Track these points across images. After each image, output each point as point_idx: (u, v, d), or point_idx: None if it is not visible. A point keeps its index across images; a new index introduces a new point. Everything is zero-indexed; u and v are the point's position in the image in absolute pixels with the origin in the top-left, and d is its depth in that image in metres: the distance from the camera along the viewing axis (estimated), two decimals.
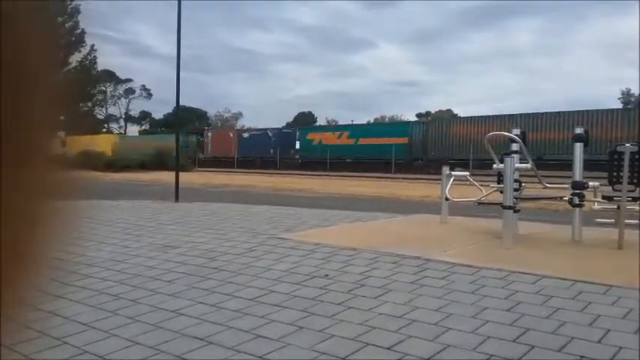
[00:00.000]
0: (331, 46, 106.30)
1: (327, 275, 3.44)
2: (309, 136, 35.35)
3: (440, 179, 6.28)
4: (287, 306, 2.83)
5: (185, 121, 53.07)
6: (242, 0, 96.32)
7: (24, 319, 0.30)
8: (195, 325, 2.54)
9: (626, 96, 52.41)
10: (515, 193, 4.68)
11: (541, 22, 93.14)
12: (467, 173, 6.35)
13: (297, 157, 35.04)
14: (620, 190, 4.39)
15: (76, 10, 26.58)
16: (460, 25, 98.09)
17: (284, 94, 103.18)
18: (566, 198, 4.87)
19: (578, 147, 4.86)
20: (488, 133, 5.58)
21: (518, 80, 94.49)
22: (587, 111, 24.84)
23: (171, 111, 59.85)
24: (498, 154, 5.05)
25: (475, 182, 6.03)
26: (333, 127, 37.82)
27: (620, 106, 50.85)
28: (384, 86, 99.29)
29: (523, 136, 5.32)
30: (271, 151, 35.84)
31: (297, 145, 35.74)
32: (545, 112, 26.12)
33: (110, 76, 64.58)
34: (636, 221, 4.41)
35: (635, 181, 4.37)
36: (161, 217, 6.41)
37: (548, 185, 5.55)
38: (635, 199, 4.44)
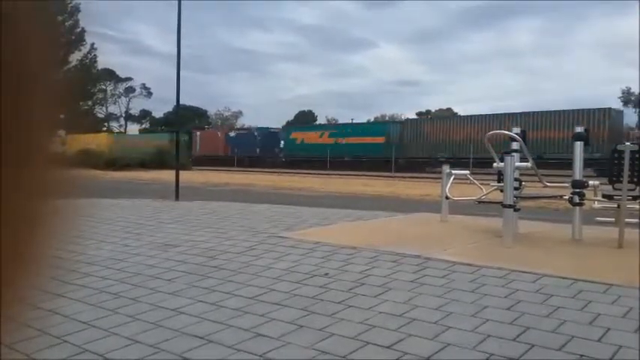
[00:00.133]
0: (331, 46, 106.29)
1: (327, 274, 3.44)
2: (293, 136, 36.34)
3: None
4: (287, 305, 2.83)
5: (185, 120, 53.13)
6: (242, 0, 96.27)
7: (24, 318, 0.30)
8: (196, 324, 2.54)
9: (627, 95, 52.34)
10: (515, 192, 4.68)
11: (541, 22, 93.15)
12: (467, 172, 6.35)
13: (282, 155, 35.84)
14: (620, 189, 4.39)
15: (76, 9, 26.56)
16: (460, 25, 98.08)
17: (284, 94, 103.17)
18: (567, 197, 4.87)
19: (579, 146, 4.86)
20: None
21: (518, 80, 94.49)
22: (564, 111, 25.79)
23: (171, 110, 59.86)
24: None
25: (475, 181, 6.03)
26: (315, 126, 39.11)
27: (620, 105, 50.89)
28: (384, 86, 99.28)
29: (523, 134, 5.32)
30: (257, 150, 36.73)
31: (282, 144, 36.60)
32: (520, 113, 27.19)
33: (110, 75, 64.54)
34: (636, 220, 4.41)
35: (635, 180, 4.37)
36: (161, 216, 6.42)
37: (548, 184, 5.55)
38: (635, 198, 4.44)
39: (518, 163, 4.97)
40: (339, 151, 32.34)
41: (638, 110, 50.54)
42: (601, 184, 4.93)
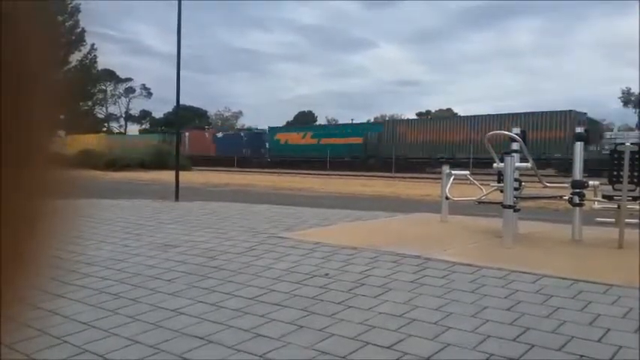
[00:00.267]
0: (331, 46, 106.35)
1: (327, 274, 3.44)
2: (277, 137, 37.50)
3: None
4: (287, 305, 2.83)
5: (185, 120, 53.24)
6: (242, 0, 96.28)
7: (24, 318, 0.30)
8: (195, 324, 2.54)
9: (627, 95, 52.34)
10: (515, 192, 4.68)
11: (541, 22, 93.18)
12: (467, 172, 6.35)
13: (267, 156, 37.02)
14: (620, 190, 4.39)
15: (76, 9, 26.55)
16: (460, 25, 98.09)
17: (284, 94, 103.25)
18: (566, 197, 4.87)
19: (579, 146, 4.86)
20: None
21: (518, 80, 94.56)
22: (525, 113, 27.16)
23: (171, 110, 59.87)
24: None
25: (475, 181, 6.03)
26: (298, 127, 40.27)
27: (620, 105, 50.89)
28: (384, 86, 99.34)
29: (523, 135, 5.32)
30: (243, 150, 37.81)
31: (267, 145, 37.82)
32: (486, 115, 28.68)
33: (110, 75, 64.58)
34: (636, 220, 4.41)
35: (635, 180, 4.37)
36: (161, 216, 6.42)
37: (548, 184, 5.55)
38: (635, 199, 4.43)
39: (518, 164, 4.97)
40: (320, 151, 33.66)
41: (638, 110, 50.53)
42: (601, 184, 4.93)
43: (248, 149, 37.78)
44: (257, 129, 42.24)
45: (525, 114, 26.99)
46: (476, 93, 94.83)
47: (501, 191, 4.76)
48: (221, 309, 2.78)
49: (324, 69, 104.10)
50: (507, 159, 4.52)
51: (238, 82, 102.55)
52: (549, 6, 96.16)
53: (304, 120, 63.90)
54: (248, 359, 2.14)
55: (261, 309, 2.76)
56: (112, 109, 69.67)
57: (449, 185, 5.86)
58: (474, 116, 29.13)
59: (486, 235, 5.03)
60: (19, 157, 0.27)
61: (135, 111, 70.90)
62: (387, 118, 50.21)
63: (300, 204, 8.70)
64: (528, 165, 5.03)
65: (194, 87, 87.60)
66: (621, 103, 53.00)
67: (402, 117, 48.43)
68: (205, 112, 70.14)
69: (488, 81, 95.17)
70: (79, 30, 28.27)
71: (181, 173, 9.64)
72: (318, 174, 25.35)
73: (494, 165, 5.25)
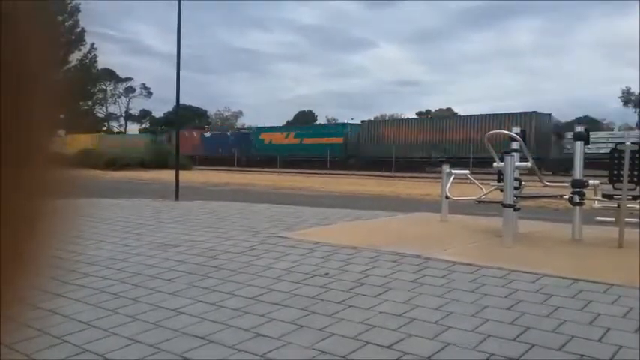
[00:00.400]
0: (331, 46, 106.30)
1: (327, 274, 3.44)
2: (262, 137, 38.56)
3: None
4: (287, 304, 2.83)
5: (185, 119, 53.33)
6: (242, 0, 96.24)
7: (24, 318, 0.30)
8: (196, 324, 2.54)
9: (627, 95, 52.31)
10: (515, 192, 4.68)
11: (541, 22, 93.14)
12: (467, 172, 6.35)
13: (252, 155, 37.93)
14: (620, 189, 4.39)
15: (76, 9, 26.55)
16: (460, 25, 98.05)
17: (284, 94, 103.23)
18: (567, 196, 4.87)
19: (579, 145, 4.86)
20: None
21: (518, 80, 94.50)
22: (492, 114, 28.75)
23: (171, 110, 59.85)
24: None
25: (475, 181, 6.03)
26: (280, 127, 41.21)
27: (620, 104, 50.93)
28: (384, 86, 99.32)
29: (523, 134, 5.33)
30: (230, 150, 38.76)
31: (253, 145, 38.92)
32: (457, 116, 32.14)
33: (110, 75, 64.56)
34: (636, 220, 4.41)
35: (635, 179, 4.37)
36: (161, 216, 6.42)
37: (548, 184, 5.55)
38: (635, 198, 4.43)
39: (518, 163, 4.97)
40: (303, 150, 34.84)
41: (638, 110, 50.52)
42: (601, 183, 4.93)
43: (235, 149, 38.86)
44: (244, 129, 43.68)
45: (492, 115, 28.65)
46: (476, 93, 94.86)
47: (501, 190, 4.76)
48: (221, 308, 2.78)
49: (324, 69, 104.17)
50: (507, 158, 4.52)
51: (238, 82, 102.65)
52: (549, 6, 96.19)
53: (304, 120, 63.86)
54: (248, 359, 2.14)
55: (261, 308, 2.77)
56: (112, 108, 69.72)
57: (449, 185, 5.86)
58: (444, 118, 32.90)
59: (486, 234, 5.03)
60: (19, 157, 0.27)
61: (135, 110, 70.95)
62: (387, 118, 50.27)
63: (300, 203, 8.70)
64: (528, 164, 5.04)
65: (194, 87, 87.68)
66: (621, 103, 52.99)
67: (402, 116, 48.46)
68: (205, 111, 70.13)
69: (488, 81, 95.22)
70: (78, 30, 28.26)
71: (181, 173, 9.63)
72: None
73: (494, 164, 5.25)
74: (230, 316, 2.66)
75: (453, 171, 5.97)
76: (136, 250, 4.28)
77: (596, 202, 4.90)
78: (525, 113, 27.09)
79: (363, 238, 4.65)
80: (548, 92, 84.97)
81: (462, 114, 39.43)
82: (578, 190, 4.70)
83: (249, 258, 3.92)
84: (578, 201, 4.71)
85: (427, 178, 20.13)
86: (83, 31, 29.02)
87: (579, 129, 4.98)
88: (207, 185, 15.94)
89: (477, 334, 2.38)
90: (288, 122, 63.03)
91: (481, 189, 5.82)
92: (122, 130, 67.64)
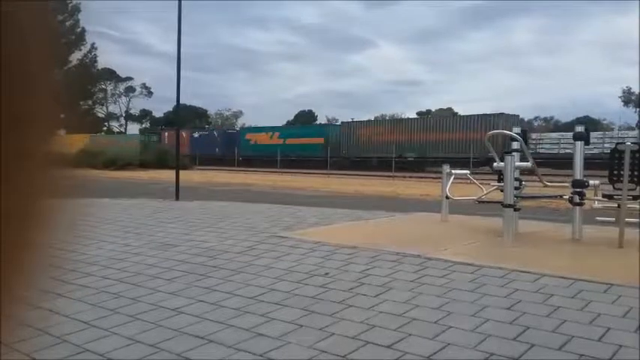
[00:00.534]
0: (331, 46, 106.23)
1: (327, 274, 3.44)
2: (247, 137, 39.65)
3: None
4: (287, 304, 2.83)
5: (186, 119, 53.48)
6: (242, 0, 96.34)
7: (24, 318, 0.30)
8: (196, 324, 2.54)
9: (627, 95, 52.30)
10: (515, 192, 4.68)
11: (541, 21, 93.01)
12: (467, 172, 6.35)
13: (238, 155, 38.70)
14: (620, 189, 4.39)
15: (76, 9, 26.54)
16: (460, 25, 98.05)
17: (284, 93, 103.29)
18: (567, 196, 4.87)
19: (579, 145, 4.86)
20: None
21: (519, 80, 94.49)
22: (462, 116, 30.77)
23: (171, 109, 59.87)
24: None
25: (475, 181, 6.03)
26: (264, 128, 41.92)
27: (621, 104, 50.97)
28: (385, 85, 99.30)
29: (524, 134, 5.33)
30: (216, 149, 39.70)
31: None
32: (430, 117, 34.72)
33: (110, 75, 64.57)
34: (636, 220, 4.41)
35: (635, 179, 4.37)
36: (161, 216, 6.42)
37: (548, 184, 5.55)
38: (635, 198, 4.43)
39: (518, 163, 4.98)
40: (286, 150, 35.62)
41: (638, 110, 50.51)
42: (601, 183, 4.93)
43: (222, 148, 39.79)
44: (230, 129, 44.68)
45: (462, 116, 30.39)
46: (476, 92, 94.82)
47: (501, 190, 4.76)
48: (221, 308, 2.78)
49: (324, 68, 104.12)
50: (508, 158, 4.52)
51: (238, 81, 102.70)
52: (549, 6, 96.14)
53: (304, 120, 63.87)
54: (248, 359, 2.14)
55: (261, 308, 2.77)
56: (112, 108, 69.71)
57: (449, 185, 5.86)
58: (415, 119, 35.57)
59: (486, 234, 5.03)
60: (19, 157, 0.27)
61: (135, 110, 70.92)
62: (387, 118, 50.34)
63: (300, 203, 8.70)
64: (529, 164, 5.04)
65: (194, 86, 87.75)
66: (622, 103, 52.98)
67: (402, 116, 48.54)
68: (205, 111, 70.16)
69: (488, 81, 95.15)
70: (79, 29, 28.26)
71: (181, 172, 9.63)
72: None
73: (494, 164, 5.25)
74: (230, 315, 2.66)
75: (454, 171, 5.97)
76: (137, 249, 4.28)
77: (596, 202, 4.90)
78: (494, 114, 28.38)
79: (363, 238, 4.65)
80: (549, 91, 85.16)
81: (462, 114, 40.56)
82: (578, 190, 4.70)
83: (249, 258, 3.92)
84: (578, 201, 4.71)
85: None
86: (83, 30, 29.03)
87: (579, 129, 4.98)
88: (207, 185, 15.94)
89: (477, 334, 2.38)
90: (288, 122, 63.07)
91: (481, 189, 5.82)
92: (122, 130, 67.68)
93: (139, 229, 5.29)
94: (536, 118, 62.49)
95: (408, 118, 35.29)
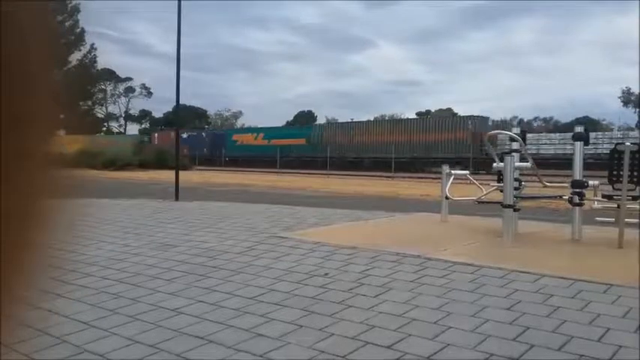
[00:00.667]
0: (331, 46, 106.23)
1: (327, 274, 3.44)
2: (234, 138, 40.79)
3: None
4: (287, 305, 2.83)
5: (185, 120, 53.55)
6: (242, 0, 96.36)
7: (24, 318, 0.30)
8: (195, 324, 2.54)
9: (627, 95, 52.32)
10: (515, 192, 4.68)
11: (542, 21, 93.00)
12: (467, 172, 6.35)
13: (225, 155, 39.78)
14: (620, 189, 4.39)
15: (76, 9, 26.52)
16: (460, 25, 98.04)
17: (284, 93, 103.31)
18: (566, 197, 4.87)
19: (578, 145, 4.86)
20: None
21: (519, 80, 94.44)
22: (433, 117, 33.19)
23: (171, 110, 59.87)
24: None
25: (475, 181, 6.03)
26: (250, 129, 43.54)
27: (620, 104, 51.01)
28: (384, 85, 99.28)
29: (523, 135, 5.33)
30: (204, 150, 40.73)
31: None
32: (400, 119, 35.59)
33: (110, 75, 64.57)
34: (636, 220, 4.41)
35: (635, 180, 4.37)
36: (161, 216, 6.42)
37: (547, 184, 5.55)
38: (635, 198, 4.44)
39: (518, 163, 4.98)
40: (270, 151, 36.58)
41: (638, 110, 50.53)
42: (601, 184, 4.93)
43: (210, 149, 40.73)
44: (218, 130, 46.21)
45: (436, 118, 32.17)
46: (476, 93, 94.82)
47: (501, 191, 4.76)
48: (221, 308, 2.78)
49: (324, 68, 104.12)
50: (507, 159, 4.52)
51: (238, 81, 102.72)
52: (550, 6, 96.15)
53: (304, 120, 63.89)
54: (248, 359, 2.14)
55: (261, 308, 2.77)
56: (112, 108, 69.69)
57: (449, 185, 5.86)
58: (387, 120, 38.11)
59: (486, 234, 5.04)
60: (19, 157, 0.27)
61: (135, 111, 70.91)
62: (386, 118, 50.43)
63: (300, 203, 8.70)
64: (528, 164, 5.04)
65: (194, 87, 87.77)
66: (621, 103, 53.00)
67: (402, 116, 48.67)
68: (205, 111, 70.17)
69: (488, 81, 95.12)
70: (78, 30, 28.25)
71: (180, 173, 9.63)
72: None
73: (494, 165, 5.25)
74: (230, 316, 2.66)
75: (453, 171, 5.97)
76: (136, 250, 4.28)
77: (596, 202, 4.90)
78: (467, 116, 30.25)
79: (363, 238, 4.65)
80: (549, 91, 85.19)
81: (462, 114, 41.42)
82: (577, 190, 4.70)
83: (249, 258, 3.92)
84: (577, 201, 4.71)
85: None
86: (83, 31, 29.01)
87: (579, 129, 4.98)
88: (206, 185, 15.93)
89: (477, 335, 2.38)
90: (288, 122, 63.11)
91: (481, 189, 5.82)
92: (122, 130, 67.67)
93: (139, 230, 5.29)
94: (535, 119, 62.51)
95: (383, 120, 38.20)
